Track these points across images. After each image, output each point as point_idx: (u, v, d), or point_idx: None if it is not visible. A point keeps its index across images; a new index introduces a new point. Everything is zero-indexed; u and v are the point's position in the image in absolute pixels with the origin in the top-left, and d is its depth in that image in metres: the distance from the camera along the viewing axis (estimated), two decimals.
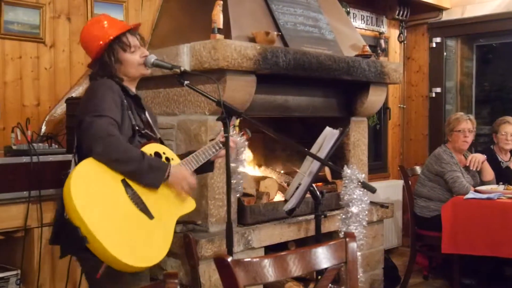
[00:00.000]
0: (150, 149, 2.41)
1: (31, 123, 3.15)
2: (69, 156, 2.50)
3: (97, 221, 2.12)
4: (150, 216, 2.28)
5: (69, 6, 3.63)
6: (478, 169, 4.44)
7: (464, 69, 6.13)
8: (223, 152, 2.56)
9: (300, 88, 3.75)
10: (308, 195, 3.06)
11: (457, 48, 6.07)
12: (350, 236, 1.69)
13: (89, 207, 2.12)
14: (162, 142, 2.56)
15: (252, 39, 3.32)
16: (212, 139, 2.67)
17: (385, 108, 5.69)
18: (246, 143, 2.76)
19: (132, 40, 2.50)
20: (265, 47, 3.22)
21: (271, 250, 3.38)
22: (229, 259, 1.42)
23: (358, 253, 2.36)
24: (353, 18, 5.45)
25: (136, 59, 2.50)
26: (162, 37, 3.73)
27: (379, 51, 4.28)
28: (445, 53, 5.91)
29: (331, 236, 3.65)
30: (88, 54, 2.54)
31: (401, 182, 5.44)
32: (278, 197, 3.74)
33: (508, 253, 3.73)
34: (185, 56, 3.17)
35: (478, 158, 4.41)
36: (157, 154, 2.43)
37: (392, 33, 5.98)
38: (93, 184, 2.20)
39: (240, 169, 2.78)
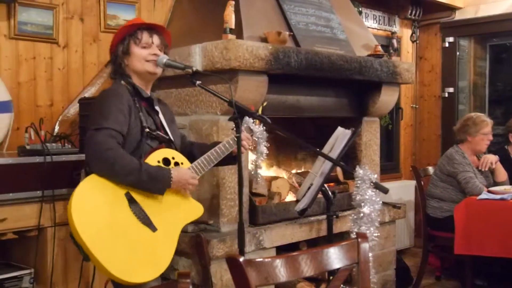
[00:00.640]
0: (159, 155, 2.42)
1: (45, 123, 3.17)
2: (82, 156, 2.52)
3: (97, 240, 2.17)
4: (153, 229, 2.31)
5: (82, 6, 3.65)
6: (486, 169, 4.38)
7: (477, 69, 6.08)
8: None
9: (312, 88, 3.74)
10: (320, 195, 3.05)
11: (470, 47, 6.02)
12: (362, 236, 1.69)
13: (89, 227, 2.17)
14: (172, 143, 2.55)
15: (264, 39, 3.32)
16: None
17: (397, 108, 5.66)
18: (266, 135, 2.75)
19: (146, 37, 2.52)
20: (277, 47, 3.22)
21: (282, 250, 3.38)
22: (241, 259, 1.42)
23: (370, 254, 2.36)
24: (365, 17, 5.43)
25: (143, 54, 2.51)
26: (174, 37, 3.70)
27: (391, 51, 4.26)
28: (458, 53, 5.87)
29: (342, 236, 3.63)
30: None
31: (413, 183, 5.41)
32: (290, 197, 3.73)
33: None
34: (197, 56, 3.18)
35: (490, 159, 4.37)
36: (165, 160, 2.43)
37: (405, 33, 5.95)
38: (94, 202, 2.24)
39: (260, 160, 2.78)
